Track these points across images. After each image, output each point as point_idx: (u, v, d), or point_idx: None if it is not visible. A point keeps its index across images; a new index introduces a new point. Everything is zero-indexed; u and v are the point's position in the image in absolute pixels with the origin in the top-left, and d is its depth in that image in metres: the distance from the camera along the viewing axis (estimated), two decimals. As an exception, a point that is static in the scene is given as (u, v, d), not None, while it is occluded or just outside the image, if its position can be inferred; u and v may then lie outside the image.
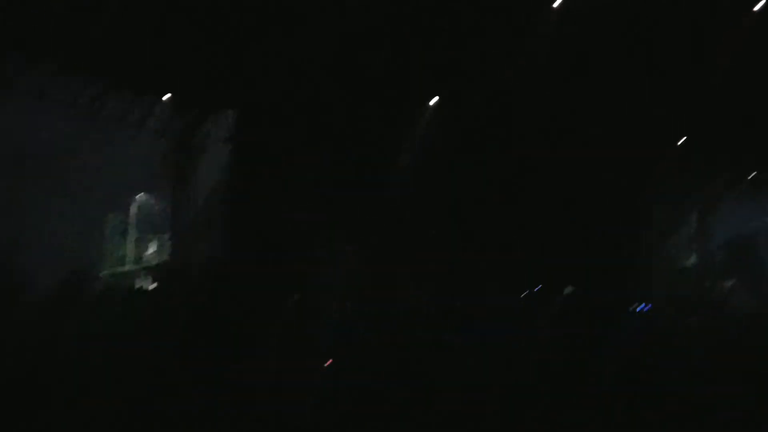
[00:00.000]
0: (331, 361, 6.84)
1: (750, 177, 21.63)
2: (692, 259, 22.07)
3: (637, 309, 14.43)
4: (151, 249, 22.37)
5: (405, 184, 18.79)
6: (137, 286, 19.81)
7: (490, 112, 18.05)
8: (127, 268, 21.82)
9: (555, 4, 16.53)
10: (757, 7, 16.22)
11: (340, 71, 17.69)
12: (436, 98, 19.20)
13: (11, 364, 6.39)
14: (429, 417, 5.37)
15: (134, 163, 19.44)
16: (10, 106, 16.62)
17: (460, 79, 18.09)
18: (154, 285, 19.67)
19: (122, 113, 19.15)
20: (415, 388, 5.93)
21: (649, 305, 12.27)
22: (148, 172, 20.45)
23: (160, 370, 6.79)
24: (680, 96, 17.76)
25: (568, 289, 14.77)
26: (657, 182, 20.06)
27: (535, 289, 14.55)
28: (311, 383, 6.40)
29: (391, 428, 5.25)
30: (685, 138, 20.01)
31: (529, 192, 18.33)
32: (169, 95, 19.46)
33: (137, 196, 23.71)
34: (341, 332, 8.64)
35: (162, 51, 17.20)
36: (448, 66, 17.84)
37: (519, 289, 14.97)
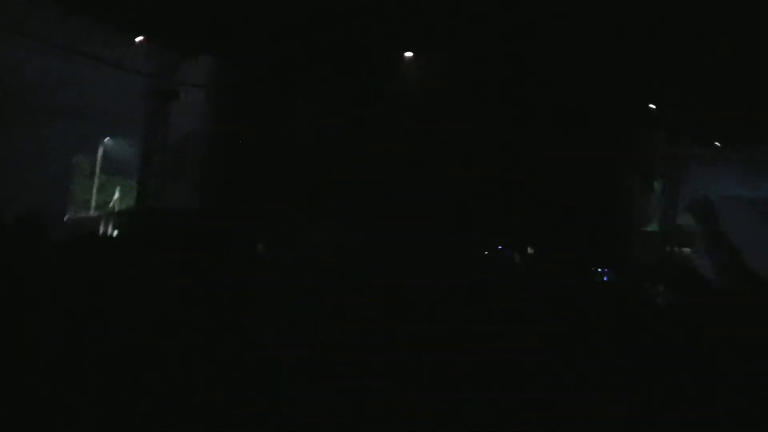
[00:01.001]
0: None
1: (721, 146, 21.77)
2: (655, 226, 22.39)
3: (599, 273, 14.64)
4: (117, 195, 22.17)
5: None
6: (100, 231, 19.71)
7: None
8: (91, 213, 21.64)
9: None
10: None
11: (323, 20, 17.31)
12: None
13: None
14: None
15: (106, 104, 19.10)
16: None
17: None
18: (117, 231, 19.58)
19: (99, 52, 18.54)
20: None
21: (607, 270, 12.50)
22: (120, 114, 20.13)
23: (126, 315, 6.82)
24: (656, 60, 17.72)
25: (529, 250, 14.99)
26: (625, 147, 20.20)
27: (498, 248, 14.72)
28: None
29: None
30: (654, 105, 20.10)
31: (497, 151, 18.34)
32: (143, 36, 18.86)
33: (106, 140, 23.44)
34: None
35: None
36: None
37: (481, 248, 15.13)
